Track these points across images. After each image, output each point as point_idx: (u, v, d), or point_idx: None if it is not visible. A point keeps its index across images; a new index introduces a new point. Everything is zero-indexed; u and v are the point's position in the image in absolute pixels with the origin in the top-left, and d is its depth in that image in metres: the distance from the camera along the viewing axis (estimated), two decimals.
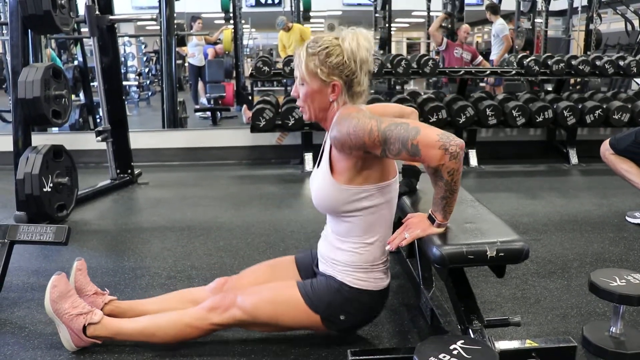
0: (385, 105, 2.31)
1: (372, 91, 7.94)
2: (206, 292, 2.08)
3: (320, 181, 1.83)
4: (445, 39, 7.22)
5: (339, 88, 1.76)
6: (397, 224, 1.90)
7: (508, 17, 9.22)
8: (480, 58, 7.30)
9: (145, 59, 12.40)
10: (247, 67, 9.35)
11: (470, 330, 1.78)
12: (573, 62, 5.57)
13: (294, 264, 2.11)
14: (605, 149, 3.51)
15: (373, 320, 2.02)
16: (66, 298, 1.95)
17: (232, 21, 8.07)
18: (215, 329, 1.96)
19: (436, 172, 1.61)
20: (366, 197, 1.78)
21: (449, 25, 7.83)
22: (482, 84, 7.74)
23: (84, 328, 1.94)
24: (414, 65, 5.49)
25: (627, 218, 3.56)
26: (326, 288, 1.88)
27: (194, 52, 9.20)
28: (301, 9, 9.83)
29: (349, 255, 1.86)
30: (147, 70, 12.07)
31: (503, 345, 1.84)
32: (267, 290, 1.94)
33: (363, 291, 1.86)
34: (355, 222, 1.82)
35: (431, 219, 1.76)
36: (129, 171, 4.63)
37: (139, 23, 13.69)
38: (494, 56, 7.71)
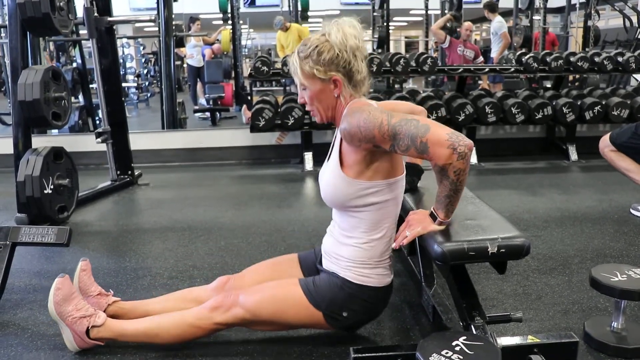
0: (396, 102, 2.32)
1: (371, 90, 7.95)
2: (208, 291, 2.08)
3: (330, 175, 1.83)
4: (448, 37, 7.22)
5: (340, 81, 1.76)
6: (400, 222, 1.90)
7: (506, 14, 9.23)
8: (481, 58, 7.31)
9: (143, 60, 12.40)
10: (246, 68, 9.34)
11: (472, 326, 1.79)
12: (572, 59, 5.58)
13: (297, 262, 2.11)
14: (605, 145, 3.51)
15: (376, 318, 2.02)
16: (70, 300, 1.95)
17: (230, 22, 8.07)
18: (219, 329, 1.96)
19: (442, 171, 1.62)
20: (374, 193, 1.79)
21: (453, 27, 7.82)
22: (479, 82, 7.73)
23: (87, 330, 1.94)
24: (413, 63, 5.50)
25: (631, 211, 3.58)
26: (328, 285, 1.88)
27: (193, 53, 9.20)
28: (299, 8, 9.83)
29: (354, 251, 1.86)
30: (145, 71, 12.07)
31: (505, 341, 1.84)
32: (269, 289, 1.94)
33: (366, 287, 1.86)
34: (362, 218, 1.82)
35: (433, 217, 1.77)
36: (129, 172, 4.63)
37: (138, 24, 13.70)
38: (494, 54, 7.70)
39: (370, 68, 5.33)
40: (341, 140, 1.79)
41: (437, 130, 1.58)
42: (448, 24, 7.62)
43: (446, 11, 8.74)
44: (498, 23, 7.68)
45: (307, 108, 1.86)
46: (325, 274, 1.94)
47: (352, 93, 1.80)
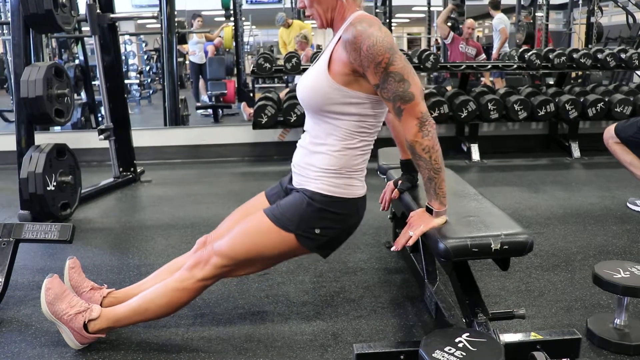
0: None
1: None
2: (190, 255, 2.09)
3: (314, 75, 1.79)
4: (451, 33, 7.21)
5: None
6: (402, 218, 1.90)
7: (509, 11, 9.21)
8: (483, 55, 7.30)
9: (146, 57, 12.39)
10: (248, 64, 9.34)
11: (475, 323, 1.79)
12: (574, 56, 5.56)
13: (265, 198, 2.09)
14: (610, 135, 3.51)
15: (351, 234, 1.95)
16: (62, 299, 1.94)
17: (232, 18, 8.07)
18: (204, 285, 1.93)
19: (413, 151, 1.68)
20: (355, 104, 1.75)
21: (457, 17, 7.81)
22: (482, 79, 7.73)
23: (85, 325, 1.94)
24: (415, 60, 5.49)
25: (628, 205, 3.59)
26: (295, 204, 1.84)
27: (195, 50, 9.19)
28: None
29: (326, 158, 1.81)
30: (148, 68, 12.06)
31: (508, 337, 1.84)
32: (238, 228, 1.92)
33: (337, 199, 1.82)
34: (337, 125, 1.78)
35: (430, 211, 1.77)
36: (132, 169, 4.64)
37: (140, 21, 13.68)
38: (494, 50, 7.70)
39: None
40: (336, 45, 1.75)
41: (417, 105, 1.65)
42: (452, 14, 7.61)
43: (450, 2, 8.71)
44: (498, 19, 7.68)
45: (307, 13, 1.84)
46: (291, 194, 1.90)
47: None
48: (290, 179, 2.00)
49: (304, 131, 1.94)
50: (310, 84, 1.79)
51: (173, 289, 1.92)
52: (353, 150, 1.81)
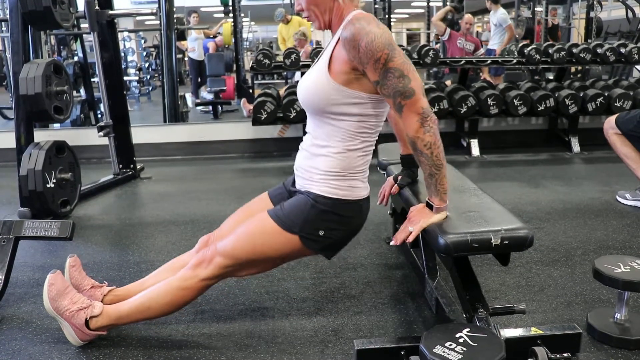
0: None
1: None
2: (192, 253, 2.08)
3: (314, 77, 1.79)
4: (448, 29, 7.20)
5: None
6: (402, 214, 1.90)
7: (507, 6, 9.18)
8: (482, 50, 7.28)
9: (145, 53, 12.37)
10: (247, 61, 9.33)
11: (475, 318, 1.79)
12: (574, 50, 5.56)
13: (268, 199, 2.09)
14: (610, 126, 3.52)
15: (355, 234, 1.96)
16: (64, 295, 1.94)
17: (231, 15, 8.05)
18: (206, 284, 1.94)
19: (414, 146, 1.67)
20: (356, 104, 1.75)
21: (454, 19, 7.80)
22: (481, 74, 7.71)
23: (87, 322, 1.94)
24: (415, 55, 5.48)
25: (617, 198, 3.65)
26: (299, 206, 1.84)
27: (194, 47, 9.17)
28: None
29: (328, 161, 1.81)
30: (147, 65, 12.04)
31: (508, 332, 1.85)
32: (241, 228, 1.92)
33: (340, 201, 1.82)
34: (339, 126, 1.79)
35: (430, 206, 1.77)
36: (132, 166, 4.63)
37: (139, 18, 13.66)
38: (494, 46, 7.66)
39: None
40: (336, 45, 1.75)
41: (418, 101, 1.64)
42: (448, 16, 7.59)
43: (448, 3, 8.71)
44: (503, 15, 7.63)
45: (304, 15, 1.84)
46: (295, 196, 1.91)
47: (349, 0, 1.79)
48: (294, 182, 2.00)
49: (305, 133, 1.94)
50: (311, 85, 1.80)
51: (176, 288, 1.92)
52: (355, 151, 1.82)
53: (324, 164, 1.82)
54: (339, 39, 1.73)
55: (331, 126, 1.80)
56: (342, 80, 1.73)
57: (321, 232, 1.84)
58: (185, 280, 1.92)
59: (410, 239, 1.77)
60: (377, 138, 1.88)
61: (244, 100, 6.99)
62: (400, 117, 1.68)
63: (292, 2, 9.78)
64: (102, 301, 2.06)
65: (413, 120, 1.64)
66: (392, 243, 1.82)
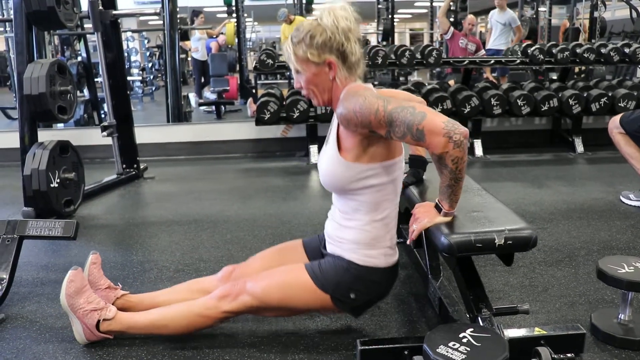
0: (395, 91, 2.31)
1: (376, 82, 7.94)
2: (214, 281, 2.09)
3: (328, 159, 1.83)
4: (452, 28, 7.18)
5: (335, 64, 1.76)
6: (405, 214, 1.90)
7: (512, 5, 9.17)
8: (483, 51, 7.27)
9: (148, 53, 12.40)
10: (251, 61, 9.34)
11: (479, 318, 1.79)
12: (578, 51, 5.55)
13: (302, 247, 2.11)
14: (614, 125, 3.52)
15: (384, 298, 2.01)
16: (81, 293, 1.96)
17: (234, 15, 8.06)
18: (227, 317, 1.96)
19: (440, 160, 1.62)
20: (372, 176, 1.78)
21: (459, 11, 7.77)
22: (484, 74, 7.69)
23: (98, 323, 1.95)
24: (418, 55, 5.48)
25: (621, 198, 3.63)
26: (334, 268, 1.87)
27: (197, 47, 9.18)
28: (303, 1, 9.81)
29: (356, 233, 1.85)
30: (150, 65, 12.07)
31: (512, 333, 1.85)
32: (276, 274, 1.94)
33: (372, 268, 1.85)
34: (361, 200, 1.82)
35: (438, 208, 1.77)
36: (135, 166, 4.64)
37: (142, 18, 13.69)
38: (501, 46, 7.53)
39: (376, 60, 5.32)
40: (338, 124, 1.79)
41: (434, 118, 1.58)
42: (452, 7, 7.54)
43: (451, 3, 8.69)
44: (514, 15, 7.59)
45: (304, 93, 1.86)
46: (331, 257, 1.93)
47: (347, 75, 1.80)
48: (324, 244, 2.02)
49: (331, 200, 1.98)
50: (328, 171, 1.83)
51: (196, 314, 1.94)
52: (380, 222, 1.85)
53: (353, 236, 1.86)
54: (337, 118, 1.76)
55: (354, 201, 1.83)
56: (354, 157, 1.76)
57: (352, 295, 1.87)
58: (207, 308, 1.93)
59: (413, 236, 1.78)
60: (398, 205, 1.91)
61: (250, 100, 6.99)
62: (426, 145, 1.61)
63: (295, 0, 9.79)
64: (113, 303, 2.08)
65: (438, 137, 1.57)
66: (408, 242, 1.86)
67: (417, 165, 2.26)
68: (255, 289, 1.90)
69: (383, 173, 1.79)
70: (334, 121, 1.84)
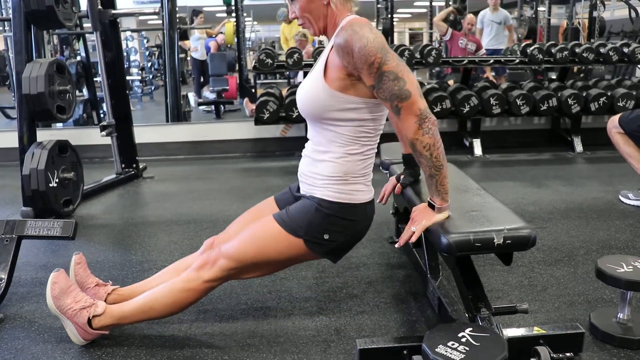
0: None
1: None
2: (197, 255, 2.09)
3: (311, 84, 1.81)
4: (450, 29, 7.19)
5: None
6: (405, 214, 1.90)
7: (510, 5, 9.18)
8: (483, 50, 7.27)
9: (147, 53, 12.38)
10: (250, 60, 9.32)
11: (478, 318, 1.79)
12: (577, 50, 5.55)
13: (274, 203, 2.10)
14: (613, 125, 3.52)
15: (360, 239, 1.96)
16: (67, 293, 1.95)
17: (234, 14, 8.05)
18: (210, 286, 1.94)
19: (413, 147, 1.67)
20: (354, 109, 1.76)
21: (456, 19, 7.77)
22: (482, 74, 7.69)
23: (89, 321, 1.94)
24: (417, 55, 5.48)
25: (620, 197, 3.64)
26: (303, 209, 1.85)
27: (197, 46, 9.17)
28: None
29: (329, 166, 1.82)
30: (149, 64, 12.05)
31: (511, 332, 1.85)
32: (246, 231, 1.93)
33: (344, 205, 1.83)
34: (338, 132, 1.80)
35: (432, 206, 1.77)
36: (134, 165, 4.64)
37: (141, 17, 13.66)
38: (500, 45, 7.55)
39: None
40: (330, 51, 1.76)
41: (415, 102, 1.64)
42: (450, 17, 7.56)
43: (450, 3, 8.70)
44: (504, 14, 7.60)
45: (299, 22, 1.86)
46: (300, 200, 1.91)
47: (343, 2, 1.80)
48: (298, 187, 2.00)
49: (307, 139, 1.95)
50: (308, 93, 1.81)
51: (179, 289, 1.93)
52: (356, 155, 1.82)
53: (325, 169, 1.83)
54: (333, 45, 1.74)
55: (330, 132, 1.81)
56: (338, 87, 1.74)
57: (326, 236, 1.84)
58: (188, 281, 1.92)
59: (413, 239, 1.77)
60: (378, 141, 1.89)
61: (246, 99, 7.00)
62: (398, 120, 1.67)
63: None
64: (105, 300, 2.07)
65: (411, 122, 1.63)
66: (397, 245, 1.83)
67: (413, 164, 2.25)
68: (229, 249, 1.89)
69: (365, 110, 1.77)
70: (326, 50, 1.81)
